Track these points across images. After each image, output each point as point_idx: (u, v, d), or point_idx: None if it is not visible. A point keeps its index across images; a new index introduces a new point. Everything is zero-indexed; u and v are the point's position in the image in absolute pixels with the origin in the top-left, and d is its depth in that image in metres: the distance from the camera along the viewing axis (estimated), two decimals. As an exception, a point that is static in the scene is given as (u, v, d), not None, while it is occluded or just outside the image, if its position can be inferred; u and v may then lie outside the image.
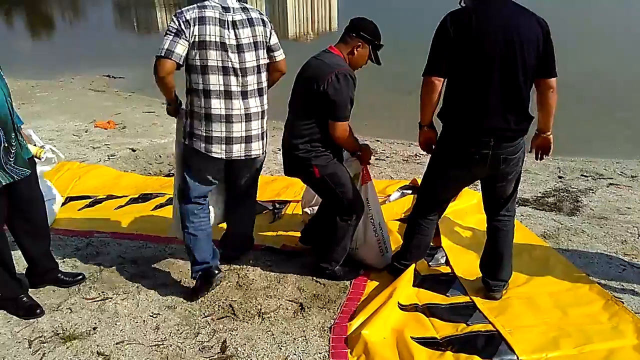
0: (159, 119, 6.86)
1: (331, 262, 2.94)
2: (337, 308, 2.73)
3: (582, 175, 4.62)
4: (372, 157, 3.29)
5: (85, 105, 7.47)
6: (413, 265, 2.89)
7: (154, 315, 2.68)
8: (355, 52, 2.70)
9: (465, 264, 3.01)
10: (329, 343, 2.43)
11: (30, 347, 2.46)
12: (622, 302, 2.68)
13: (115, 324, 2.61)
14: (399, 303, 2.62)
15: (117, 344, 2.47)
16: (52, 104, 7.52)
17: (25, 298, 2.72)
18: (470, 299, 2.71)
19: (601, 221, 3.68)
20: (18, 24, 24.78)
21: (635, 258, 3.16)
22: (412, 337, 2.38)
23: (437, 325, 2.51)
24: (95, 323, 2.62)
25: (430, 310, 2.63)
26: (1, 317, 2.67)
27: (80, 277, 2.99)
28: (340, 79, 2.56)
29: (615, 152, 5.46)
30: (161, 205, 4.01)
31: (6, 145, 2.39)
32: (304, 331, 2.55)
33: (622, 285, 2.87)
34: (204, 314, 2.70)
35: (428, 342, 2.38)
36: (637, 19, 16.90)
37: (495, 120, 2.35)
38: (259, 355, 2.39)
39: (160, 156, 5.30)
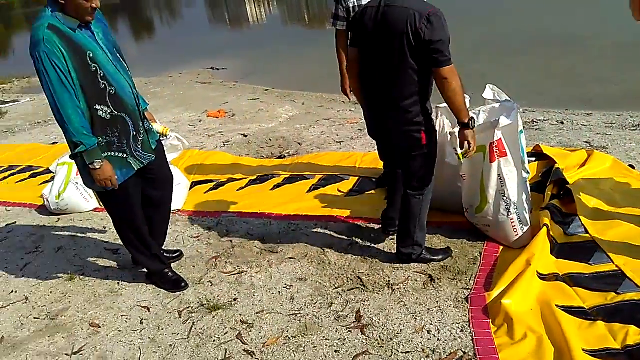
0: (264, 105, 7.08)
1: (414, 247, 2.80)
2: (469, 279, 2.66)
3: None
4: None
5: (196, 97, 7.89)
6: (545, 231, 2.74)
7: (288, 287, 2.79)
8: None
9: (606, 230, 2.80)
10: (469, 313, 2.38)
11: (180, 317, 2.66)
12: None
13: (254, 295, 2.75)
14: (537, 272, 2.50)
15: (257, 313, 2.61)
16: (165, 98, 8.02)
17: (170, 273, 2.95)
18: (617, 267, 2.52)
19: None
20: (122, 27, 26.73)
21: None
22: (557, 306, 2.27)
23: (583, 295, 2.36)
24: (235, 295, 2.78)
25: (572, 280, 2.47)
26: (152, 290, 2.92)
27: (178, 254, 3.19)
28: (432, 20, 2.26)
29: None
30: (278, 185, 4.14)
31: (135, 134, 2.56)
32: (437, 302, 2.52)
33: None
34: (334, 285, 2.76)
35: (576, 311, 2.24)
36: None
37: None
38: (395, 324, 2.40)
39: (270, 140, 5.47)
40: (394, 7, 2.34)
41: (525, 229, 2.82)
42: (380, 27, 2.38)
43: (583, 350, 2.01)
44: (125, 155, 2.54)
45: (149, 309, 2.76)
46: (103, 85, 2.38)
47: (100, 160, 2.41)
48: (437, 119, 3.22)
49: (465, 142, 2.50)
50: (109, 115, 2.42)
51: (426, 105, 2.52)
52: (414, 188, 2.71)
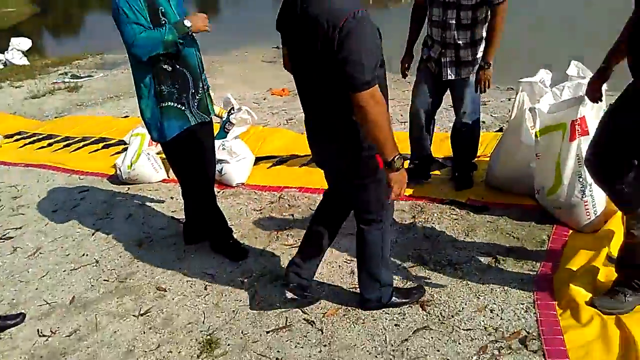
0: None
1: (381, 289, 2.32)
2: (535, 262, 2.58)
3: None
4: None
5: (261, 76, 7.99)
6: (620, 215, 2.59)
7: (348, 262, 2.80)
8: None
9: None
10: (534, 294, 2.31)
11: (243, 285, 2.74)
12: None
13: (314, 268, 2.78)
14: (608, 255, 2.38)
15: (317, 285, 2.64)
16: (232, 76, 8.17)
17: (235, 243, 3.04)
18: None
19: None
20: (187, 6, 27.24)
21: None
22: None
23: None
24: (296, 266, 2.82)
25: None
26: (215, 259, 3.00)
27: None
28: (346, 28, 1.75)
29: None
30: (340, 162, 4.14)
31: (193, 91, 2.65)
32: (501, 283, 2.46)
33: None
34: (396, 261, 2.73)
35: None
36: None
37: None
38: (456, 302, 2.37)
39: (333, 118, 5.45)
40: (309, 11, 1.84)
41: (599, 212, 2.68)
42: (299, 34, 1.92)
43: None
44: (183, 108, 2.64)
45: (213, 276, 2.86)
46: None
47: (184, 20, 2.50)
48: (517, 94, 3.10)
49: (391, 187, 1.92)
50: (170, 67, 2.54)
51: None
52: (370, 221, 2.19)
